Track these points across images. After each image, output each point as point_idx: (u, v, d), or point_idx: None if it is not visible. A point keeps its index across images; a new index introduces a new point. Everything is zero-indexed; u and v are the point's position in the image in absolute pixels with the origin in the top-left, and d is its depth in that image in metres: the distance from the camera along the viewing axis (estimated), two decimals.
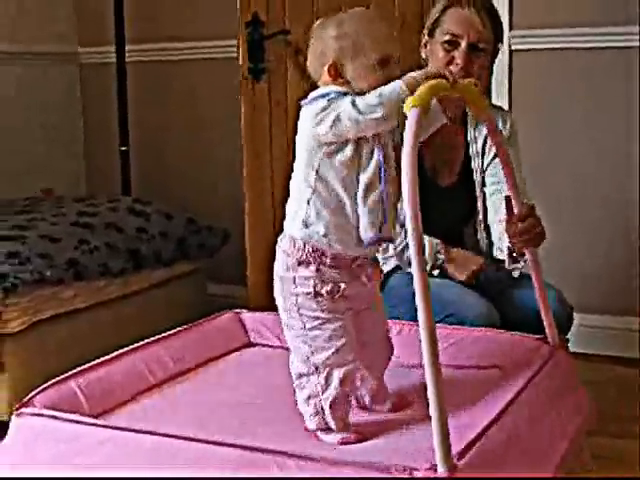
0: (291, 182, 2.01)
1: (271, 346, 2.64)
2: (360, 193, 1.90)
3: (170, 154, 4.87)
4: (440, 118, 2.00)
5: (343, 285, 1.95)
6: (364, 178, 1.90)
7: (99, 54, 4.94)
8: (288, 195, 2.04)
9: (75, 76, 5.06)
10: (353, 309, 2.01)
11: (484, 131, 2.73)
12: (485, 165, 2.77)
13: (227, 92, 4.38)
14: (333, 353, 1.94)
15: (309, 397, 1.98)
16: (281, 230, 2.05)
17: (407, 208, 1.69)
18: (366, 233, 1.91)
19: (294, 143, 1.98)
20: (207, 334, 2.57)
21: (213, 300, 4.28)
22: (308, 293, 1.95)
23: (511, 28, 3.88)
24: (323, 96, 1.91)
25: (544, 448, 1.96)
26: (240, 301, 3.88)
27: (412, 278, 1.67)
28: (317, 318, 1.95)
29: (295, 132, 1.98)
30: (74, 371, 2.19)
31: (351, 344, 1.97)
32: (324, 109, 1.88)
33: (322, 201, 1.93)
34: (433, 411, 1.62)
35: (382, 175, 1.89)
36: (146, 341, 2.42)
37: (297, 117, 1.96)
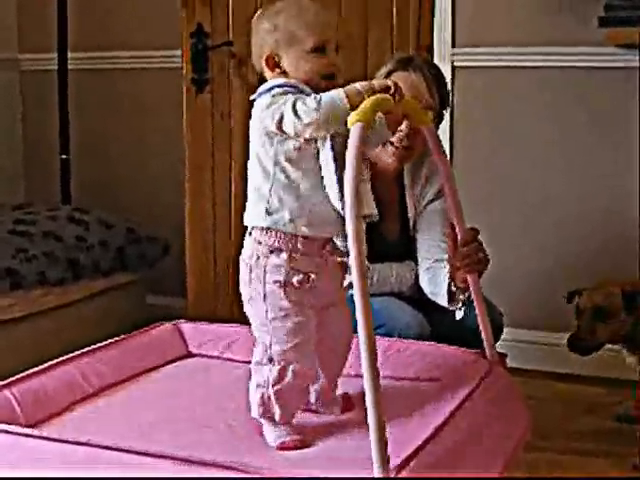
0: (249, 175, 2.01)
1: (210, 357, 2.61)
2: (324, 172, 1.90)
3: (112, 163, 4.83)
4: (385, 133, 1.99)
5: (313, 276, 1.96)
6: (322, 157, 1.91)
7: (40, 61, 4.88)
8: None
9: (15, 82, 5.00)
10: (318, 304, 2.01)
11: (421, 181, 2.76)
12: (419, 211, 2.77)
13: (170, 102, 4.35)
14: (291, 347, 1.95)
15: (258, 385, 1.98)
16: (239, 243, 2.06)
17: (348, 224, 1.70)
18: (339, 203, 1.89)
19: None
20: (145, 344, 2.54)
21: (152, 311, 4.25)
22: (277, 281, 1.95)
23: (454, 45, 3.91)
24: (268, 90, 1.93)
25: (482, 461, 1.97)
26: (180, 312, 3.85)
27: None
28: (281, 309, 1.95)
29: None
30: (8, 380, 2.15)
31: (310, 342, 1.98)
32: (269, 105, 1.90)
33: (283, 188, 1.94)
34: (371, 425, 1.63)
35: (333, 158, 1.88)
36: (82, 350, 2.39)
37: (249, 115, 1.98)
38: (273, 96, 1.91)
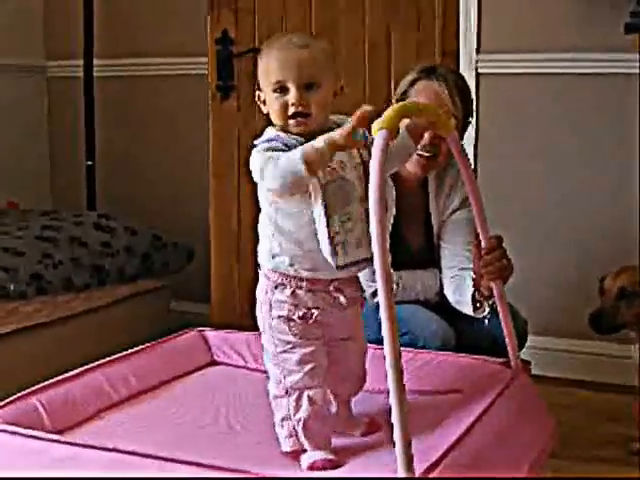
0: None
1: (234, 365, 2.62)
2: (317, 224, 1.90)
3: (137, 170, 4.85)
4: (409, 145, 1.99)
5: (316, 312, 1.96)
6: (316, 211, 1.90)
7: (67, 68, 4.92)
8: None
9: (42, 89, 5.04)
10: (329, 337, 2.01)
11: (445, 190, 2.76)
12: (443, 220, 2.77)
13: (196, 109, 4.38)
14: (302, 377, 1.94)
15: (283, 419, 1.97)
16: (251, 250, 2.07)
17: (374, 234, 1.69)
18: (332, 258, 1.90)
19: None
20: (170, 352, 2.55)
21: (177, 317, 4.27)
22: (281, 316, 1.96)
23: (478, 52, 3.90)
24: (267, 141, 1.93)
25: (506, 470, 1.97)
26: (204, 318, 3.88)
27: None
28: (288, 342, 1.96)
29: None
30: (36, 387, 2.17)
31: (320, 369, 1.97)
32: (253, 161, 1.91)
33: (283, 234, 1.95)
34: (397, 433, 1.63)
35: (325, 214, 1.87)
36: (109, 358, 2.41)
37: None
38: (258, 152, 1.91)
